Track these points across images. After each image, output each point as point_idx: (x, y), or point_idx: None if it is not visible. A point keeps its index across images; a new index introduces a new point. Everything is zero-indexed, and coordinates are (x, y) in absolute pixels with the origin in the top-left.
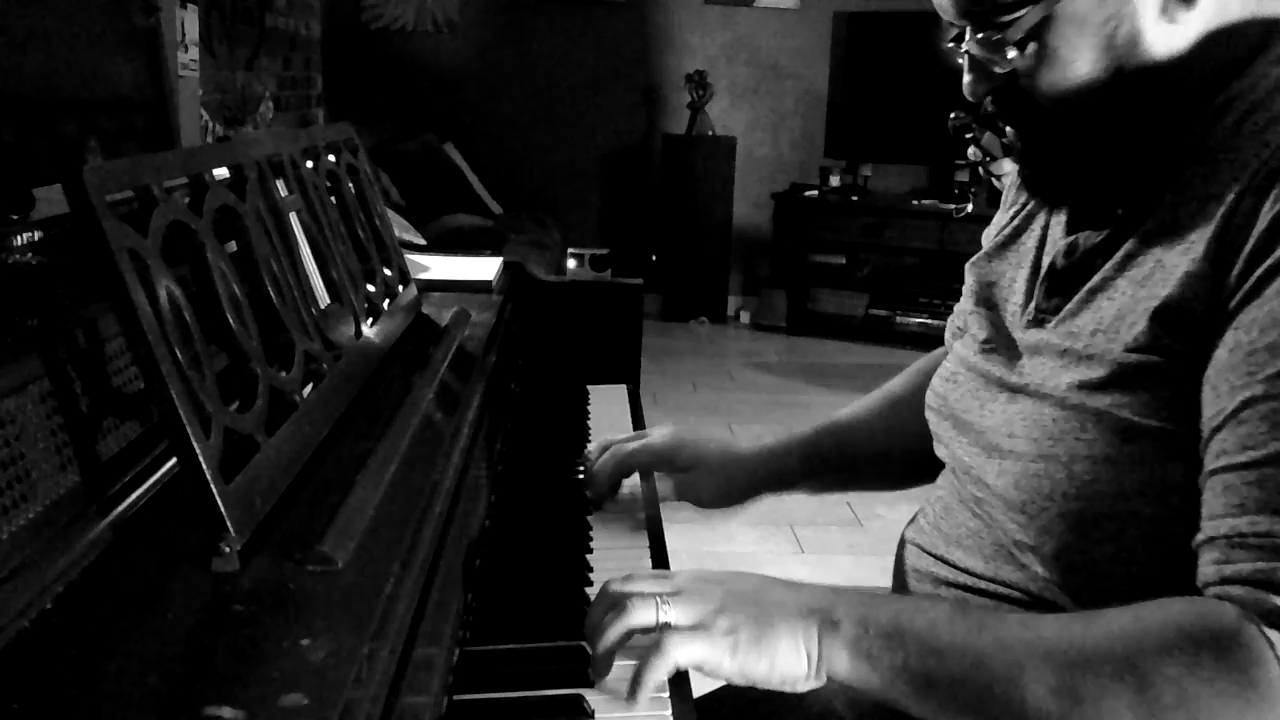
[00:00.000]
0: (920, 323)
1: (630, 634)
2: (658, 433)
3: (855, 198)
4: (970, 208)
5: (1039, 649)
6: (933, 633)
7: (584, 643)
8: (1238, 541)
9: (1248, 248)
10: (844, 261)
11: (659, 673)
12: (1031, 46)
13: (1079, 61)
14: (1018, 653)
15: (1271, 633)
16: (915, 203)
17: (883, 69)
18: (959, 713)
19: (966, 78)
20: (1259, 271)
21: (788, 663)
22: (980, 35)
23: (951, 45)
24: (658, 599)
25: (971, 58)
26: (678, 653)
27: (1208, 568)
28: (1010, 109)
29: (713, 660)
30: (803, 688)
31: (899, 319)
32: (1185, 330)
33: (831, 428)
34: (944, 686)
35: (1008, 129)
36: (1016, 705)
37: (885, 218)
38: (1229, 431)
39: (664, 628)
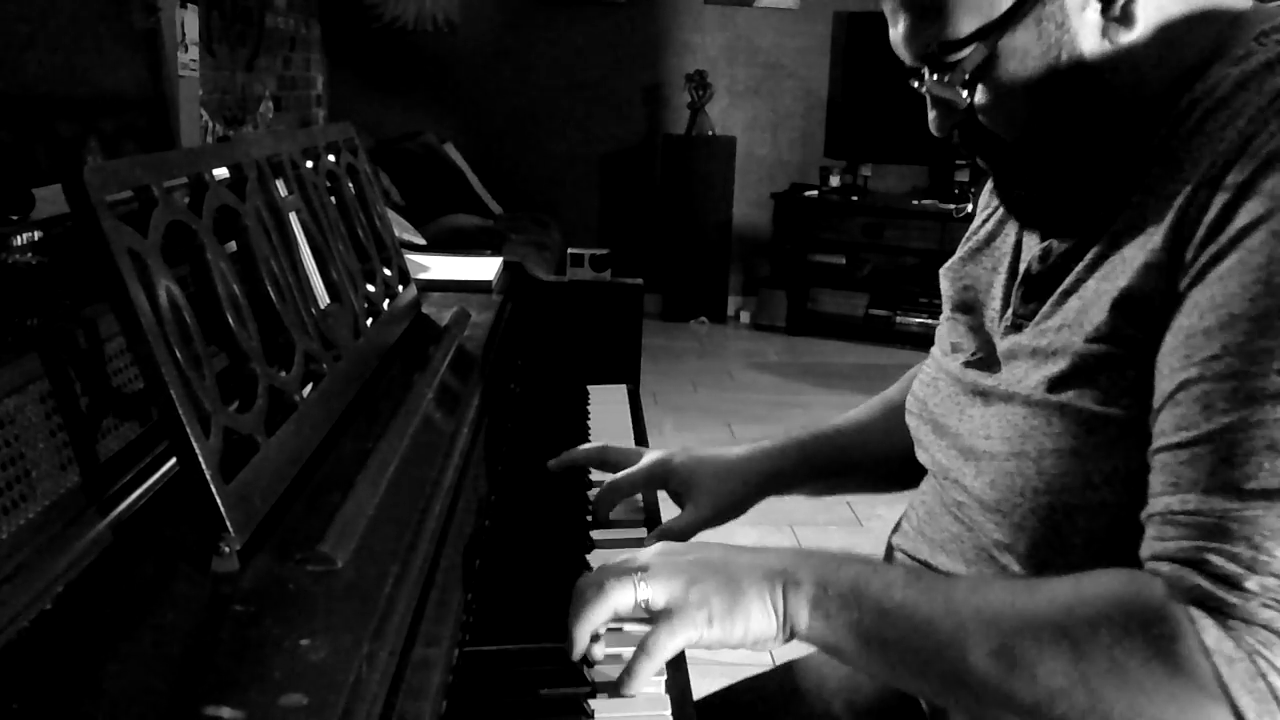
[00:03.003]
0: (920, 323)
1: (613, 616)
2: (647, 455)
3: (855, 198)
4: (970, 208)
5: (984, 613)
6: (886, 594)
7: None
8: (1169, 519)
9: (1199, 235)
10: (844, 261)
11: (649, 671)
12: (982, 83)
13: (1024, 93)
14: (963, 616)
15: (1193, 610)
16: (915, 203)
17: (883, 69)
18: (907, 672)
19: (931, 114)
20: (1204, 257)
21: (760, 624)
22: (934, 77)
23: (916, 85)
24: (633, 576)
25: (931, 95)
26: (664, 650)
27: (1145, 544)
28: (974, 141)
29: (693, 636)
30: (772, 646)
31: (899, 319)
32: (1144, 319)
33: (830, 432)
34: (893, 646)
35: (976, 160)
36: (959, 666)
37: (885, 218)
38: (1167, 413)
39: (642, 605)
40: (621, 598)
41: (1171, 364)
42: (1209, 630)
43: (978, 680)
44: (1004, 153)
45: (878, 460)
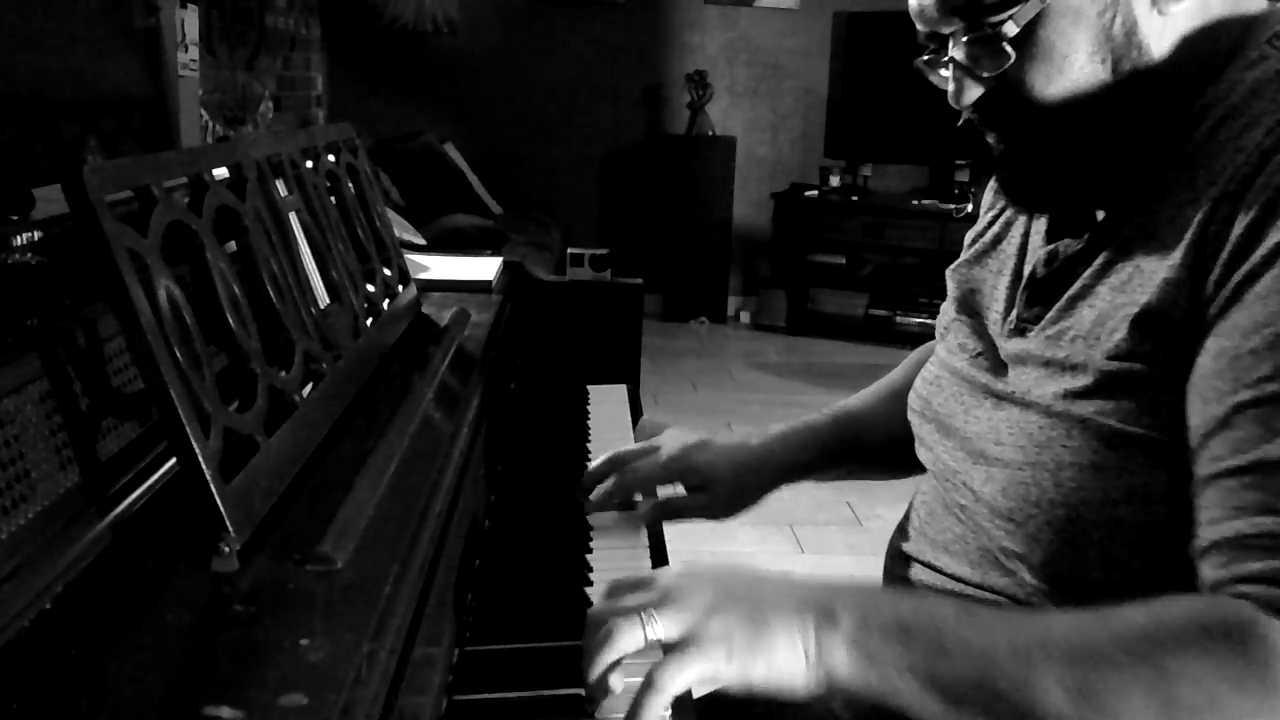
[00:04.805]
0: (920, 323)
1: (620, 660)
2: (665, 449)
3: (855, 198)
4: (970, 208)
5: (1052, 648)
6: (939, 631)
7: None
8: (1243, 543)
9: (1225, 253)
10: (844, 261)
11: (656, 708)
12: (1025, 43)
13: (1075, 55)
14: (1030, 652)
15: None
16: (915, 203)
17: (883, 69)
18: (968, 715)
19: (952, 86)
20: (1238, 277)
21: (785, 664)
22: (969, 36)
23: (928, 58)
24: (642, 614)
25: (957, 65)
26: (673, 684)
27: (1215, 571)
28: (995, 114)
29: (709, 672)
30: (798, 688)
31: (899, 319)
32: (1165, 337)
33: (845, 417)
34: (951, 687)
35: (989, 136)
36: (1029, 706)
37: (885, 218)
38: (1222, 437)
39: (655, 644)
40: (629, 640)
41: (1217, 387)
42: None
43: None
44: (1025, 125)
45: (886, 446)
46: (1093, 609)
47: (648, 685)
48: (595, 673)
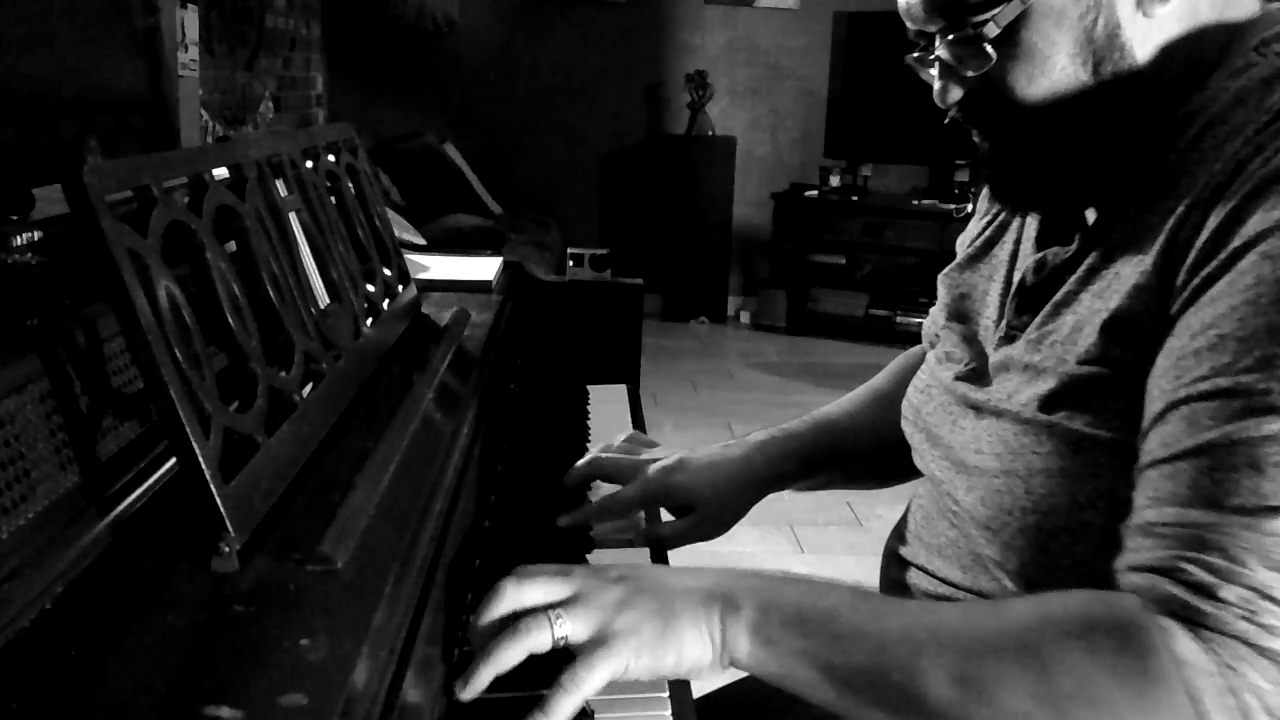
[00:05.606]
0: (920, 323)
1: (525, 657)
2: (641, 474)
3: (855, 198)
4: (970, 208)
5: (940, 636)
6: (834, 619)
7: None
8: (1147, 530)
9: (1190, 258)
10: (844, 261)
11: (567, 709)
12: (1007, 44)
13: (1057, 56)
14: (919, 640)
15: (1166, 621)
16: (915, 203)
17: (883, 69)
18: (859, 700)
19: (937, 85)
20: (1196, 280)
21: (694, 652)
22: (952, 36)
23: (918, 56)
24: (550, 614)
25: (942, 63)
26: (585, 686)
27: (1121, 556)
28: (979, 113)
29: (619, 669)
30: (709, 675)
31: (899, 319)
32: (1134, 341)
33: (826, 425)
34: (844, 673)
35: (974, 134)
36: (916, 693)
37: (885, 218)
38: (1155, 432)
39: (562, 644)
40: (537, 639)
41: (1161, 386)
42: (1181, 641)
43: (935, 708)
44: (1009, 124)
45: (868, 454)
46: (987, 601)
47: (559, 687)
48: (493, 671)
